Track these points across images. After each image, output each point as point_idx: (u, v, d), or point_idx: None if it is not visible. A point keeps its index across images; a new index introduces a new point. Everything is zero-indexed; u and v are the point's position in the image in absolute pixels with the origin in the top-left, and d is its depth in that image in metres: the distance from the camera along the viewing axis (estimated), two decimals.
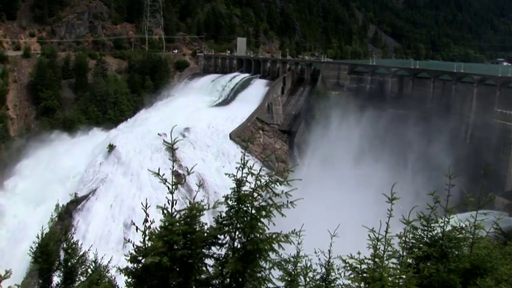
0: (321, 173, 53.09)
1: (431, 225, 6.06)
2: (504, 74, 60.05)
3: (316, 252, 6.18)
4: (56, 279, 9.54)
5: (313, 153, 62.48)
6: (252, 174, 5.33)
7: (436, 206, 6.01)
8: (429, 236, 6.07)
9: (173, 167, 5.50)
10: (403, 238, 5.72)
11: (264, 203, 5.29)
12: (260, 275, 5.33)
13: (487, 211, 6.03)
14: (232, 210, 5.35)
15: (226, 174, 5.71)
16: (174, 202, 5.42)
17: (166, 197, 5.42)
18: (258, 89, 78.43)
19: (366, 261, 5.17)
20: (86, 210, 50.98)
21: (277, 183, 5.33)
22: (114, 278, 8.66)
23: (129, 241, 5.70)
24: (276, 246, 5.21)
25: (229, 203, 5.36)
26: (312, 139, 65.53)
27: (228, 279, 5.35)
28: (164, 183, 5.39)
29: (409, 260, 5.82)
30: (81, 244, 10.05)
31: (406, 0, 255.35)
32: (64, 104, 79.20)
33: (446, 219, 6.07)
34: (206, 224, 5.50)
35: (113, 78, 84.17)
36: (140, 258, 5.29)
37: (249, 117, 69.76)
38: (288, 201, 5.23)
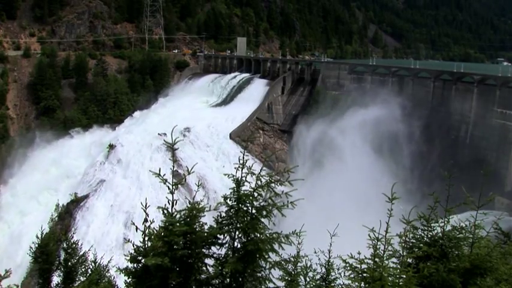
0: (320, 172, 53.05)
1: (431, 225, 6.06)
2: (504, 74, 60.01)
3: (316, 252, 6.17)
4: (56, 279, 9.53)
5: (313, 153, 62.41)
6: (252, 174, 5.33)
7: (436, 206, 6.01)
8: (429, 235, 6.07)
9: (173, 167, 5.50)
10: (403, 238, 5.71)
11: (264, 203, 5.28)
12: (260, 274, 5.33)
13: (487, 211, 6.02)
14: (232, 210, 5.35)
15: (225, 174, 5.70)
16: (174, 202, 5.42)
17: (166, 197, 5.42)
18: (258, 88, 78.35)
19: (365, 261, 5.17)
20: (86, 210, 51.00)
21: (278, 183, 5.33)
22: (114, 278, 8.66)
23: (129, 241, 5.70)
24: (276, 246, 5.21)
25: (229, 203, 5.35)
26: (312, 139, 65.42)
27: (228, 279, 5.35)
28: (164, 183, 5.38)
29: (409, 260, 5.82)
30: (81, 244, 10.03)
31: (406, 0, 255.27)
32: (64, 104, 79.21)
33: (446, 219, 6.07)
34: (206, 224, 5.50)
35: (113, 78, 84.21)
36: (140, 258, 5.28)
37: (249, 117, 69.73)
38: (288, 201, 5.23)
